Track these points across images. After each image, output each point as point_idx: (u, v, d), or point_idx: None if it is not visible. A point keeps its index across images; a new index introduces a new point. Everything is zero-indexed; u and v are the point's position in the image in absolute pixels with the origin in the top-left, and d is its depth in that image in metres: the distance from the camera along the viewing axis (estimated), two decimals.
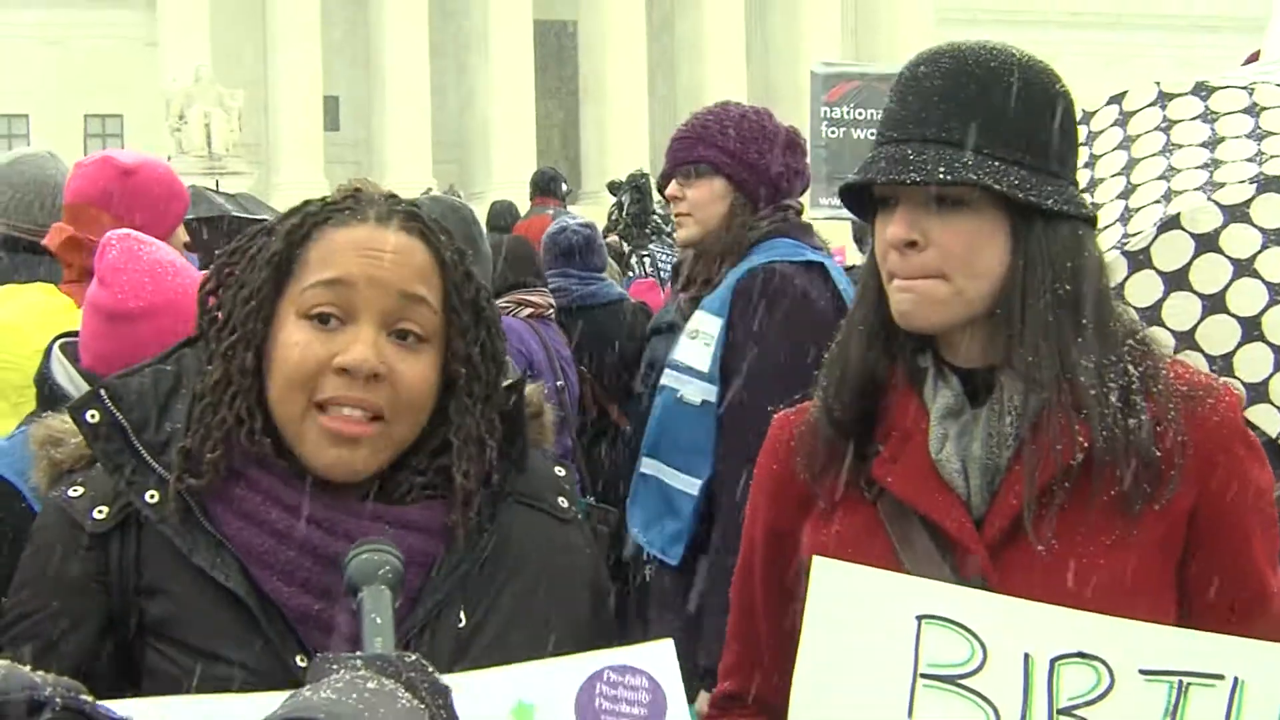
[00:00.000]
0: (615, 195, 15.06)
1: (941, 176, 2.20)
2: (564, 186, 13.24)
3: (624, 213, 14.18)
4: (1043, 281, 2.24)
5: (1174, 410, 2.25)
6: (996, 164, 2.22)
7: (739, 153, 4.58)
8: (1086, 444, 2.21)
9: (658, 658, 2.01)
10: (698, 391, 4.42)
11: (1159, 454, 2.22)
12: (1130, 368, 2.26)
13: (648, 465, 4.58)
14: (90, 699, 1.47)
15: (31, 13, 59.54)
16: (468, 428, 2.14)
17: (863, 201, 2.36)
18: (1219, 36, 66.36)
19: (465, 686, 1.87)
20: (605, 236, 11.63)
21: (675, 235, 4.75)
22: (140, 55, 59.74)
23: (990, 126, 2.24)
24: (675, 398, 4.46)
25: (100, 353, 3.35)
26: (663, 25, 63.12)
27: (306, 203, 2.20)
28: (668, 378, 4.51)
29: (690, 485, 4.40)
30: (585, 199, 44.25)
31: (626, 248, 13.52)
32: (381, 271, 2.08)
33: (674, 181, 4.62)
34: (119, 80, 60.06)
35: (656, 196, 17.39)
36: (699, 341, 4.46)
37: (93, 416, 2.12)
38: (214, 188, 9.00)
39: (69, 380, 3.34)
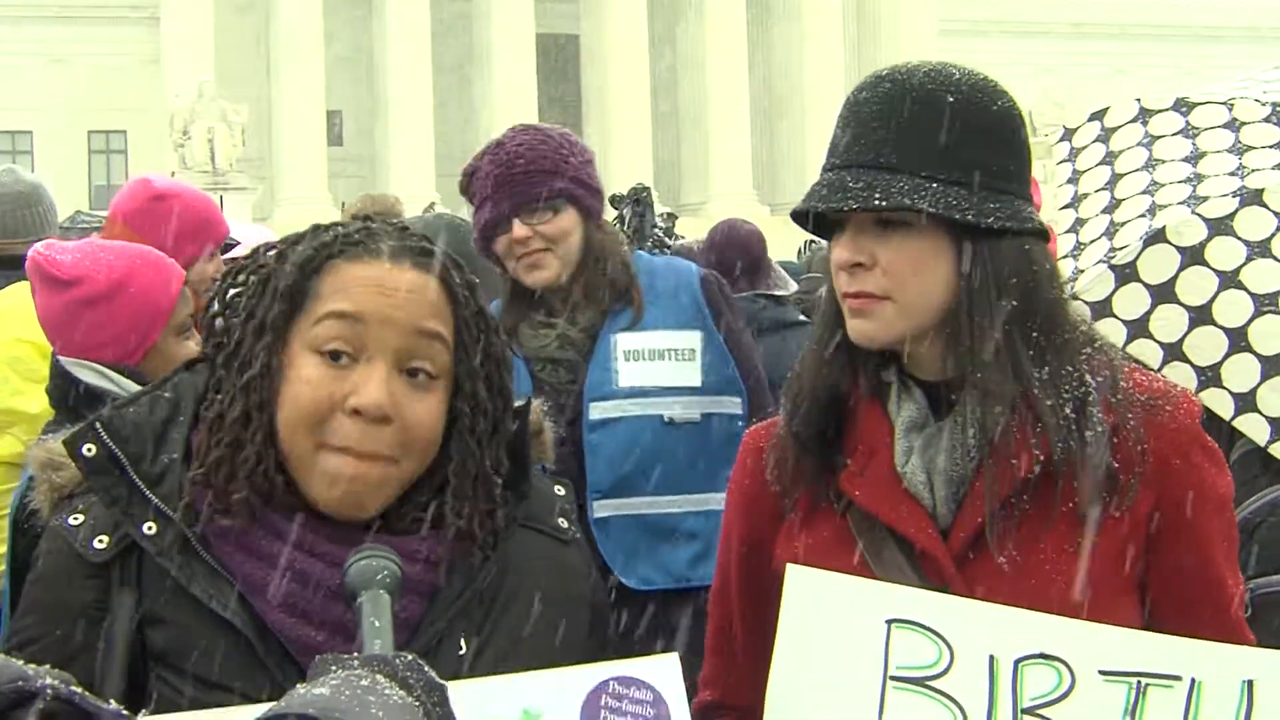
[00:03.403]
0: (616, 209, 15.05)
1: (877, 202, 2.24)
2: None
3: (625, 226, 14.18)
4: (988, 298, 2.27)
5: (1133, 419, 2.29)
6: (935, 186, 2.26)
7: (587, 180, 4.30)
8: (1044, 456, 2.25)
9: (662, 671, 2.03)
10: (692, 406, 4.23)
11: (1116, 464, 2.26)
12: (1087, 377, 2.30)
13: (608, 506, 4.20)
14: (80, 690, 1.48)
15: (35, 30, 59.54)
16: (467, 468, 2.14)
17: (818, 221, 2.40)
18: (1222, 46, 66.40)
19: (471, 693, 1.90)
20: None
21: (537, 278, 4.23)
22: (144, 72, 59.73)
23: (926, 149, 2.27)
24: (664, 420, 4.20)
25: (56, 329, 3.57)
26: (664, 38, 63.06)
27: (317, 229, 2.19)
28: (621, 406, 4.22)
29: (708, 502, 4.14)
30: None
31: None
32: (395, 310, 2.07)
33: (517, 222, 4.18)
34: (123, 97, 60.04)
35: (658, 209, 17.38)
36: (669, 360, 4.23)
37: (89, 450, 2.11)
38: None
39: (90, 373, 3.44)
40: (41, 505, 2.18)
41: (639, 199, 14.50)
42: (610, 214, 15.62)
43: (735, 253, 7.46)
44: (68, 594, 2.09)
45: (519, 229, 4.17)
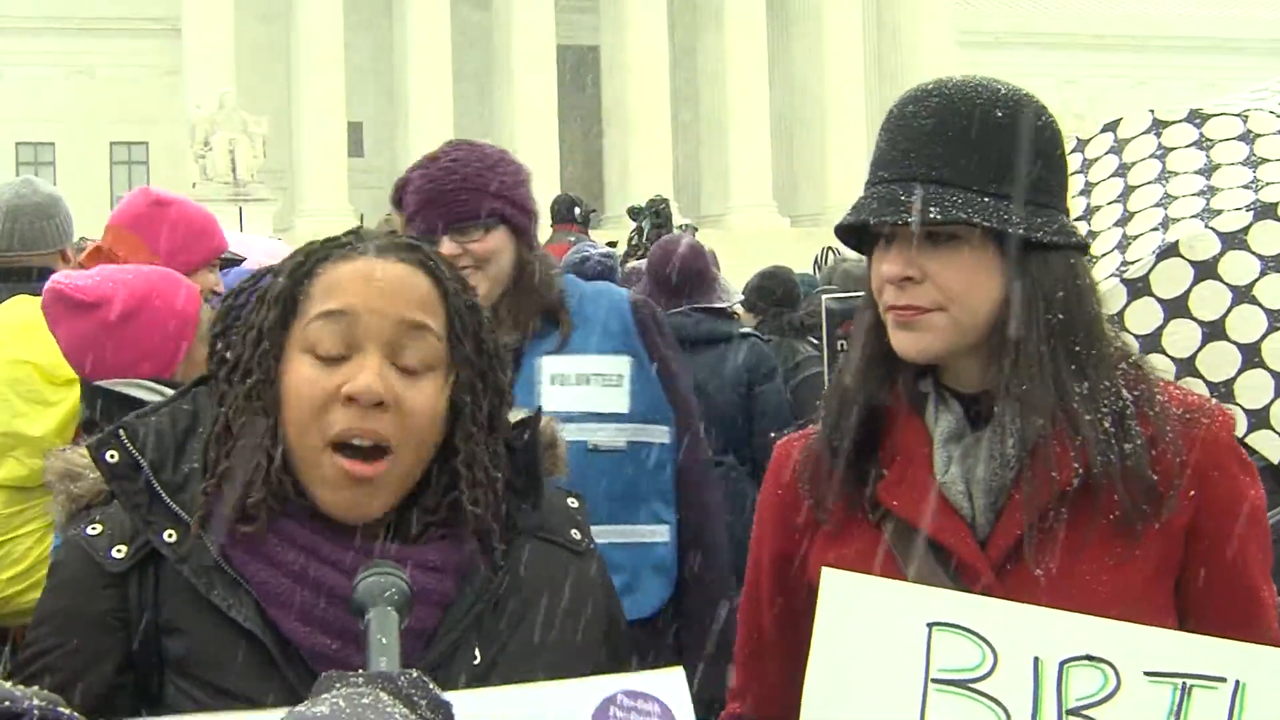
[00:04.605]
0: (635, 220, 15.07)
1: (933, 215, 2.24)
2: (578, 210, 13.23)
3: (644, 238, 14.19)
4: (1036, 312, 2.28)
5: (1170, 432, 2.29)
6: (986, 200, 2.26)
7: (520, 200, 4.12)
8: (1083, 469, 2.25)
9: (669, 684, 2.03)
10: (619, 434, 4.13)
11: (1155, 476, 2.27)
12: (1124, 392, 2.30)
13: None
14: (68, 710, 1.48)
15: (58, 41, 59.91)
16: (474, 456, 2.15)
17: (859, 235, 2.41)
18: (1243, 58, 66.33)
19: (477, 704, 1.89)
20: (626, 262, 11.65)
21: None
22: (165, 83, 60.05)
23: (978, 163, 2.28)
24: (588, 448, 4.06)
25: (87, 353, 3.59)
26: (685, 51, 63.22)
27: (311, 243, 2.21)
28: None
29: (656, 534, 4.14)
30: (608, 224, 44.31)
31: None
32: (382, 300, 2.09)
33: (446, 239, 4.01)
34: (144, 108, 60.36)
35: (677, 220, 17.36)
36: (596, 385, 4.11)
37: (112, 456, 2.13)
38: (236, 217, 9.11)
39: (139, 389, 3.46)
40: (58, 517, 2.21)
41: (658, 211, 14.50)
42: (630, 225, 15.65)
43: (669, 268, 7.37)
44: (85, 603, 2.10)
45: (448, 246, 3.98)
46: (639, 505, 4.07)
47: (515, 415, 2.29)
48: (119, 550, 2.10)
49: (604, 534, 4.00)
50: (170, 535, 2.09)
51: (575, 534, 2.33)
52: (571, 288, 4.21)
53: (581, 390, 4.08)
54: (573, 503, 2.37)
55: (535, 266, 4.11)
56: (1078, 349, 2.29)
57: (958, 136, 2.29)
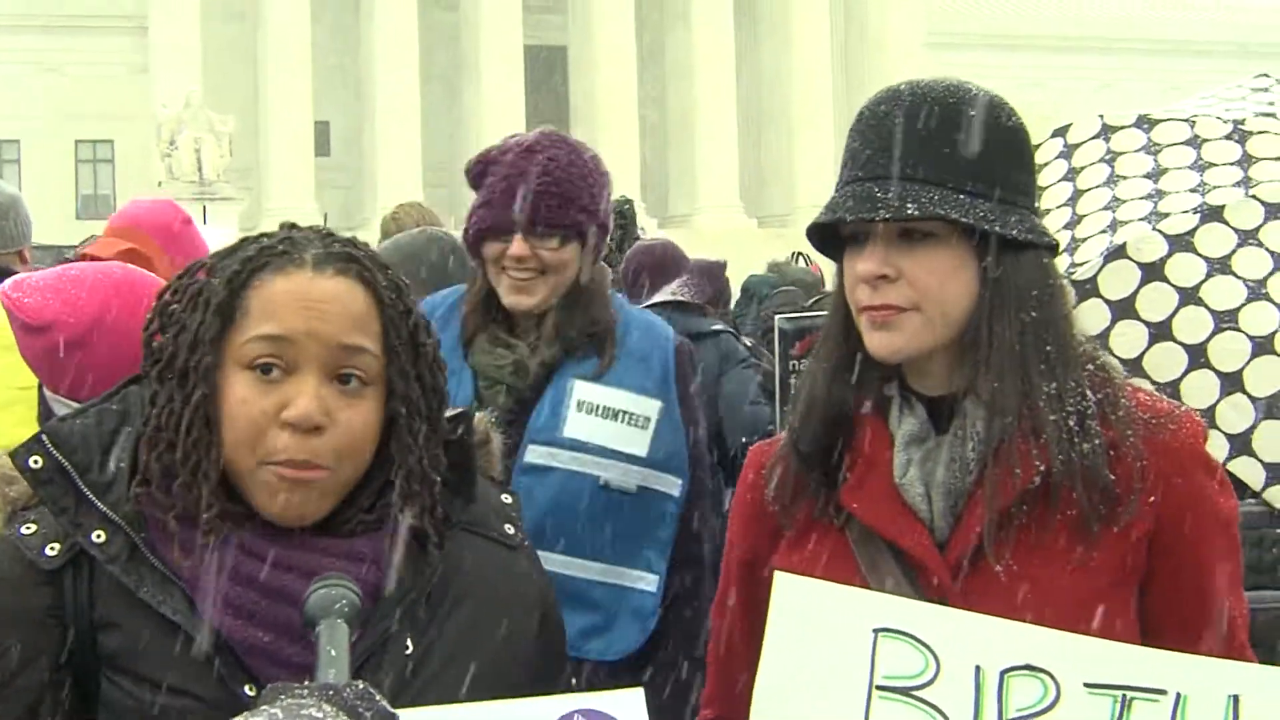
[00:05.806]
0: None
1: (910, 212, 2.24)
2: None
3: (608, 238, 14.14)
4: (1009, 310, 2.29)
5: (1133, 435, 2.29)
6: (962, 198, 2.27)
7: (602, 215, 3.92)
8: (1044, 468, 2.25)
9: (628, 706, 2.02)
10: (631, 475, 3.95)
11: (1113, 478, 2.26)
12: (1089, 393, 2.30)
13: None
14: None
15: (24, 38, 59.52)
16: (410, 466, 2.16)
17: (827, 238, 2.41)
18: (1210, 61, 66.53)
19: None
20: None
21: (519, 302, 3.89)
22: (132, 81, 59.70)
23: (953, 161, 2.29)
24: (599, 483, 3.89)
25: (41, 370, 3.51)
26: (652, 51, 63.14)
27: (244, 241, 2.21)
28: (558, 456, 3.90)
29: (643, 581, 3.99)
30: None
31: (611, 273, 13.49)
32: (321, 324, 2.09)
33: (519, 238, 3.83)
34: (110, 106, 59.96)
35: (640, 222, 17.28)
36: (621, 422, 3.94)
37: (35, 462, 2.14)
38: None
39: (64, 407, 3.40)
40: None
41: (621, 212, 14.37)
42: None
43: (643, 260, 7.28)
44: (21, 602, 2.11)
45: (519, 246, 3.81)
46: (636, 551, 3.95)
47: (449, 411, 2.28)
48: (52, 549, 2.11)
49: (593, 571, 3.91)
50: (99, 536, 2.10)
51: (509, 529, 2.33)
52: (620, 313, 4.02)
53: (606, 424, 3.93)
54: (506, 499, 2.37)
55: (593, 284, 3.94)
56: (1049, 348, 2.30)
57: (932, 135, 2.30)
